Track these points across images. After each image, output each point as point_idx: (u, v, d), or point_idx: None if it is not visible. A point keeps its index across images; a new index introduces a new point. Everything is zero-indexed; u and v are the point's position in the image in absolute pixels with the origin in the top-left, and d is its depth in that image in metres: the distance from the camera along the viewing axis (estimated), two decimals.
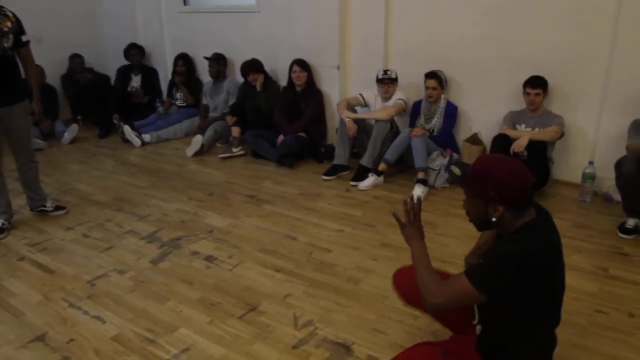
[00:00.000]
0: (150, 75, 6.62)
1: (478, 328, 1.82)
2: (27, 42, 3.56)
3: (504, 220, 1.65)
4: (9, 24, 3.39)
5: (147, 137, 5.84)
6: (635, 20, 3.72)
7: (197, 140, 5.37)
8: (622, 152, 3.53)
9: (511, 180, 1.60)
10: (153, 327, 2.52)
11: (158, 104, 6.19)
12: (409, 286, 2.04)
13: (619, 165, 3.41)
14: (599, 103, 4.05)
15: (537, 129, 4.05)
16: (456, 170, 1.72)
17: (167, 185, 4.55)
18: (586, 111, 4.13)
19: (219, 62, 5.85)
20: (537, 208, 1.72)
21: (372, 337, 2.40)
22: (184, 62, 6.23)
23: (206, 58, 5.86)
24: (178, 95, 6.32)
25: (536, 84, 4.02)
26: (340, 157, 4.62)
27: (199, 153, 5.36)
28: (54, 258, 3.26)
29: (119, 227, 3.71)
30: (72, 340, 2.44)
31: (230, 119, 5.37)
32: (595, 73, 3.99)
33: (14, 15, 3.45)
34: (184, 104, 6.29)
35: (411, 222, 1.84)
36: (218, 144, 5.63)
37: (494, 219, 1.64)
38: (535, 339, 1.74)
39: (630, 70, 3.82)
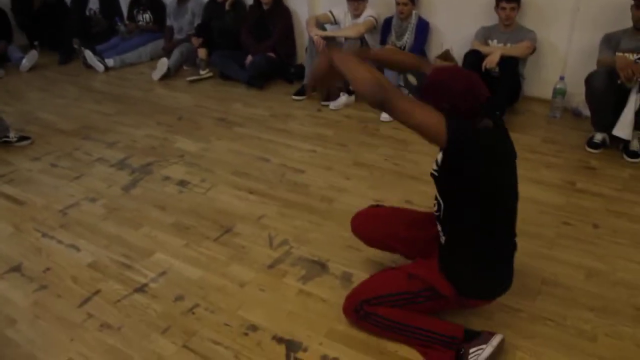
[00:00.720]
0: None
1: (442, 239, 1.87)
2: None
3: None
4: None
5: (110, 61, 5.64)
6: None
7: (163, 64, 5.20)
8: (593, 67, 3.53)
9: (467, 94, 1.62)
10: (129, 253, 2.53)
11: (119, 24, 5.92)
12: (367, 230, 2.15)
13: (589, 79, 3.42)
14: (571, 17, 4.00)
15: (509, 45, 4.01)
16: (412, 80, 1.72)
17: (135, 110, 4.44)
18: (558, 26, 4.08)
19: None
20: (495, 121, 1.75)
21: (346, 253, 2.46)
22: None
23: None
24: (140, 17, 6.04)
25: None
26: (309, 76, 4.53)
27: (165, 77, 5.21)
28: (23, 189, 3.21)
29: (88, 155, 3.64)
30: (48, 269, 2.45)
31: (196, 41, 5.18)
32: None
33: None
34: (147, 26, 6.02)
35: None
36: (185, 67, 5.47)
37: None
38: (493, 243, 1.79)
39: None
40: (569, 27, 4.03)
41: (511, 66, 3.88)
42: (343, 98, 4.28)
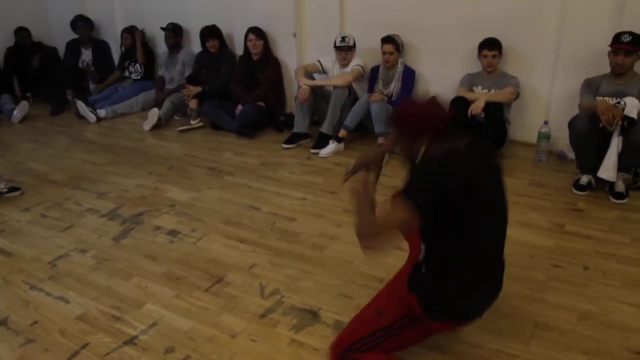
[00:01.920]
0: (101, 49, 6.39)
1: (421, 254, 1.89)
2: None
3: (432, 149, 1.77)
4: None
5: (102, 112, 5.69)
6: None
7: (154, 114, 5.26)
8: (576, 111, 3.63)
9: (426, 116, 1.80)
10: (119, 305, 2.50)
11: (90, 83, 6.08)
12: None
13: (572, 123, 3.51)
14: (552, 63, 4.13)
15: (493, 91, 4.12)
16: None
17: (126, 160, 4.46)
18: (540, 72, 4.21)
19: (175, 33, 5.70)
20: (475, 139, 1.82)
21: (338, 302, 2.44)
22: (129, 34, 6.06)
23: (162, 29, 5.69)
24: (132, 68, 6.14)
25: (493, 46, 4.08)
26: (300, 125, 4.60)
27: (156, 127, 5.26)
28: (12, 240, 3.18)
29: (78, 205, 3.63)
30: (35, 322, 2.41)
31: (194, 89, 5.25)
32: (547, 34, 4.07)
33: None
34: (139, 77, 6.12)
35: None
36: (176, 117, 5.54)
37: (423, 148, 1.78)
38: (472, 266, 1.80)
39: (580, 30, 3.91)
40: (550, 73, 4.16)
41: (496, 111, 3.98)
42: (332, 146, 4.33)
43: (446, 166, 1.67)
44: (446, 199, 1.64)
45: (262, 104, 5.00)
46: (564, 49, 4.02)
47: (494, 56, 4.08)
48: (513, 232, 2.79)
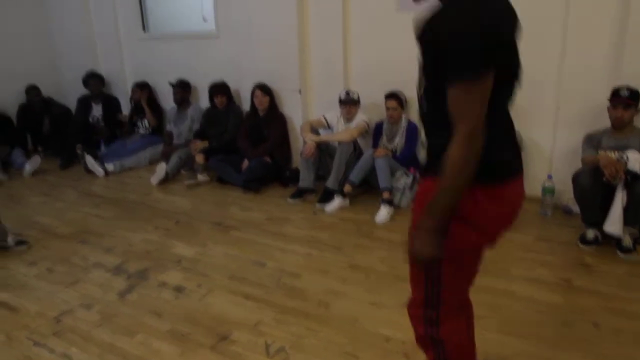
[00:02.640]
0: (111, 104, 6.54)
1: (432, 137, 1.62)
2: None
3: None
4: None
5: (110, 166, 5.77)
6: (581, 37, 3.90)
7: (162, 168, 5.33)
8: (579, 165, 3.66)
9: None
10: None
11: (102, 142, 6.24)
12: None
13: (575, 178, 3.54)
14: (553, 117, 4.19)
15: None
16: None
17: (133, 215, 4.49)
18: (542, 126, 4.26)
19: (183, 89, 5.85)
20: None
21: None
22: (137, 88, 6.22)
23: (171, 85, 5.84)
24: (140, 123, 6.27)
25: None
26: (306, 180, 4.65)
27: (163, 181, 5.32)
28: (17, 295, 3.17)
29: (84, 260, 3.64)
30: None
31: (201, 144, 5.34)
32: (547, 88, 4.14)
33: None
34: (147, 132, 6.24)
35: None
36: (183, 171, 5.60)
37: None
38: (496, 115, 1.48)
39: (580, 85, 3.98)
40: (552, 127, 4.21)
41: None
42: (337, 201, 4.36)
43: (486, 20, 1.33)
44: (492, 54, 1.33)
45: (268, 159, 5.07)
46: (564, 103, 4.10)
47: None
48: (520, 289, 2.77)
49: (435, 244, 1.47)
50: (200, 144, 5.31)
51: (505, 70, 1.41)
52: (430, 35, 1.43)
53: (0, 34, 6.37)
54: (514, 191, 1.65)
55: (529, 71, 4.20)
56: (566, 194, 3.97)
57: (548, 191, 4.08)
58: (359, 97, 4.71)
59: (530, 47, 4.08)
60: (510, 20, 1.41)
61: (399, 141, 4.63)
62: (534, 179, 4.29)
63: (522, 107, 4.24)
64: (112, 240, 3.95)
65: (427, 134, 1.65)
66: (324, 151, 4.69)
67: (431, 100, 1.56)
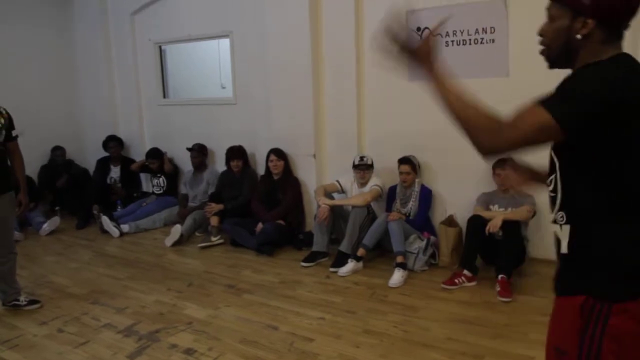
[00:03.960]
0: (129, 167, 6.68)
1: (559, 216, 1.47)
2: (16, 137, 3.70)
3: (589, 44, 1.35)
4: (2, 120, 3.53)
5: (125, 227, 5.83)
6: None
7: (176, 230, 5.36)
8: None
9: None
10: None
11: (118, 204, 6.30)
12: None
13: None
14: None
15: (509, 209, 4.17)
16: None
17: (146, 276, 4.50)
18: (545, 191, 4.26)
19: (201, 153, 5.98)
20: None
21: None
22: (154, 160, 6.33)
23: (188, 149, 5.98)
24: (155, 181, 6.37)
25: (505, 164, 4.19)
26: (319, 243, 4.65)
27: (177, 243, 5.34)
28: (26, 355, 3.15)
29: (96, 320, 3.62)
30: None
31: (216, 207, 5.39)
32: None
33: (7, 112, 3.61)
34: (162, 192, 6.33)
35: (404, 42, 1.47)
36: (197, 233, 5.63)
37: (578, 37, 1.34)
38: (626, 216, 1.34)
39: None
40: None
41: (514, 229, 4.00)
42: (351, 264, 4.34)
43: (620, 80, 1.26)
44: (608, 123, 1.25)
45: (282, 222, 5.10)
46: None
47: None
48: (539, 354, 2.70)
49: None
50: (216, 207, 5.37)
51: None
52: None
53: (27, 94, 6.60)
54: None
55: None
56: None
57: None
58: (372, 162, 4.78)
59: None
60: None
61: (412, 205, 4.66)
62: (550, 242, 4.24)
63: None
64: (124, 301, 3.94)
65: (577, 225, 1.43)
66: (337, 215, 4.71)
67: (573, 183, 1.41)
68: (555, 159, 1.43)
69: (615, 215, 1.34)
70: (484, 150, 1.35)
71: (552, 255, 4.19)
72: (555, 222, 1.48)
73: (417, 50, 1.47)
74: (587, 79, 1.28)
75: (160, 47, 6.66)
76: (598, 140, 1.28)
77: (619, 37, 1.35)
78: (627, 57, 1.33)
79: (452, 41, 4.58)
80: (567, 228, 1.43)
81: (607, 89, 1.24)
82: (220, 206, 5.38)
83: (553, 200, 1.49)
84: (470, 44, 4.52)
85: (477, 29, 4.47)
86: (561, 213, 1.44)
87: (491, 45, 4.42)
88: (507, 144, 1.32)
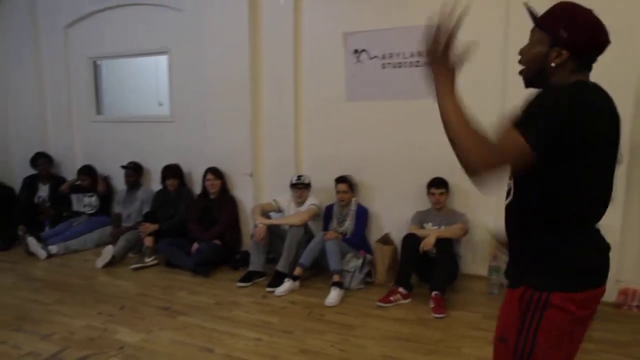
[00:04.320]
0: (58, 186, 6.42)
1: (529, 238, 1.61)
2: None
3: (561, 71, 1.53)
4: None
5: (54, 248, 5.57)
6: None
7: (108, 251, 5.19)
8: None
9: (591, 26, 1.51)
10: None
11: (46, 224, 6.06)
12: None
13: None
14: (495, 200, 4.37)
15: (443, 227, 4.29)
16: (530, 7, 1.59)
17: (75, 299, 4.31)
18: (485, 208, 4.44)
19: (136, 171, 5.84)
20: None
21: None
22: (87, 176, 6.14)
23: (123, 167, 5.83)
24: (87, 200, 6.16)
25: (439, 184, 4.34)
26: (256, 263, 4.62)
27: (109, 264, 5.16)
28: None
29: (17, 349, 3.42)
30: None
31: (150, 226, 5.26)
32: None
33: None
34: (93, 212, 6.12)
35: (440, 47, 1.47)
36: (130, 254, 5.46)
37: (552, 64, 1.53)
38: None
39: None
40: (494, 209, 4.38)
41: (447, 247, 4.12)
42: (288, 284, 4.33)
43: (580, 99, 1.43)
44: (570, 137, 1.40)
45: (218, 242, 5.03)
46: (502, 188, 4.29)
47: (442, 194, 4.33)
48: None
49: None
50: (150, 227, 5.24)
51: (584, 173, 1.48)
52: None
53: None
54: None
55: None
56: None
57: (494, 270, 4.20)
58: (309, 181, 4.81)
59: None
60: (603, 123, 1.48)
61: (349, 224, 4.71)
62: (481, 258, 4.45)
63: (466, 191, 4.46)
64: (50, 327, 3.75)
65: (515, 236, 1.66)
66: (275, 234, 4.70)
67: (524, 195, 1.60)
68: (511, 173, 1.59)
69: (555, 225, 1.53)
70: (470, 171, 1.43)
71: (483, 271, 4.36)
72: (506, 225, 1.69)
73: (430, 50, 1.49)
74: (554, 97, 1.43)
75: (95, 62, 6.48)
76: (555, 159, 1.44)
77: (587, 68, 1.55)
78: (588, 82, 1.52)
79: (389, 64, 4.70)
80: (511, 233, 1.66)
81: (565, 111, 1.39)
82: (155, 226, 5.26)
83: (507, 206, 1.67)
84: (406, 66, 4.65)
85: (412, 52, 4.61)
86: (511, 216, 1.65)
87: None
88: (493, 169, 1.41)
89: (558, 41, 1.51)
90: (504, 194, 1.66)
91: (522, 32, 1.79)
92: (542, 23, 1.56)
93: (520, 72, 1.64)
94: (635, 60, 3.71)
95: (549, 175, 1.48)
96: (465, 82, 1.69)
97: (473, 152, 1.41)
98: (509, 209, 1.68)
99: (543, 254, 1.54)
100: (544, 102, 1.42)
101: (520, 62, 1.63)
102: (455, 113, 1.46)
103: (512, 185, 1.64)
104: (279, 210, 4.92)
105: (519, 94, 1.60)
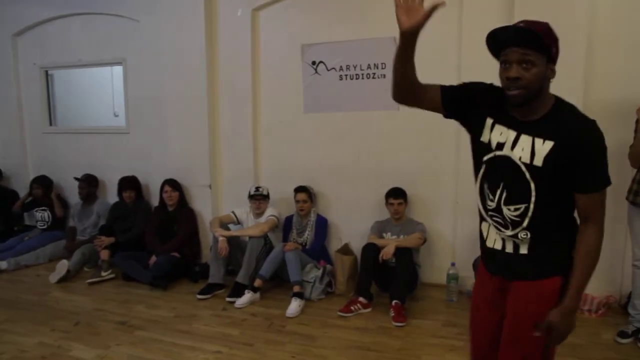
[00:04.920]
0: (8, 199, 6.20)
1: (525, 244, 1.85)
2: None
3: (548, 85, 1.72)
4: None
5: (3, 264, 5.37)
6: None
7: (63, 265, 5.03)
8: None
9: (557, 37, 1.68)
10: None
11: None
12: None
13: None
14: (452, 209, 4.48)
15: (402, 236, 4.35)
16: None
17: (26, 317, 4.17)
18: (443, 217, 4.54)
19: (89, 184, 5.70)
20: None
21: None
22: (40, 186, 5.99)
23: (76, 179, 5.69)
24: (39, 215, 5.98)
25: (397, 195, 4.40)
26: (215, 275, 4.58)
27: (64, 279, 4.99)
28: None
29: None
30: None
31: (106, 239, 5.14)
32: (446, 183, 4.46)
33: None
34: (45, 226, 5.94)
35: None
36: (86, 268, 5.33)
37: (550, 81, 1.71)
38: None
39: (472, 181, 4.30)
40: (452, 218, 4.49)
41: (406, 256, 4.17)
42: (248, 295, 4.30)
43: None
44: None
45: (176, 254, 4.97)
46: (460, 196, 4.40)
47: (400, 204, 4.39)
48: None
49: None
50: (106, 240, 5.13)
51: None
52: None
53: None
54: None
55: (429, 168, 4.57)
56: (469, 280, 4.15)
57: (452, 278, 4.28)
58: (268, 193, 4.81)
59: (429, 148, 4.49)
60: None
61: (308, 234, 4.73)
62: (439, 267, 4.52)
63: (424, 201, 4.55)
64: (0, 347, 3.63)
65: (538, 240, 1.83)
66: (235, 246, 4.66)
67: (547, 209, 1.78)
68: (533, 192, 1.75)
69: (564, 228, 1.82)
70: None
71: (441, 280, 4.44)
72: (515, 236, 1.85)
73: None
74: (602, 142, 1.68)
75: (47, 72, 6.32)
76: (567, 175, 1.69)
77: None
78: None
79: (346, 75, 4.76)
80: (528, 241, 1.83)
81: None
82: (112, 239, 5.15)
83: (516, 223, 1.82)
84: (363, 78, 4.72)
85: (369, 64, 4.68)
86: (525, 232, 1.81)
87: (382, 80, 4.63)
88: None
89: (553, 58, 1.66)
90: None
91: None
92: (542, 41, 1.61)
93: (519, 94, 1.68)
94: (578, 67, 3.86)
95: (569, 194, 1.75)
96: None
97: (601, 244, 1.74)
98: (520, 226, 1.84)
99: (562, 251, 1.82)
100: (604, 147, 1.67)
101: (514, 85, 1.67)
102: (396, 56, 1.69)
103: (530, 207, 1.79)
104: (238, 222, 4.90)
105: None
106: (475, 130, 1.88)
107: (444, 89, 1.84)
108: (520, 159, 1.73)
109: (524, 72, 1.64)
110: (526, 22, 1.63)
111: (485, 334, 2.05)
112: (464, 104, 1.84)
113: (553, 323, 1.73)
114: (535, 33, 1.59)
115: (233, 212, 4.91)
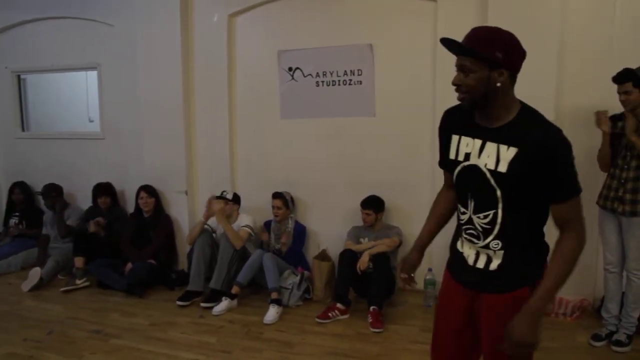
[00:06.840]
0: None
1: (497, 257, 1.86)
2: None
3: (504, 88, 1.70)
4: None
5: None
6: None
7: (35, 273, 4.94)
8: None
9: (516, 43, 1.69)
10: None
11: None
12: None
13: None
14: (427, 214, 4.49)
15: (379, 242, 4.37)
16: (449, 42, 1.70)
17: None
18: (420, 222, 4.50)
19: (49, 195, 5.56)
20: None
21: None
22: (21, 190, 5.89)
23: (37, 193, 5.62)
24: (12, 221, 5.85)
25: (366, 205, 4.45)
26: (195, 282, 4.53)
27: (37, 287, 4.90)
28: None
29: None
30: None
31: (102, 220, 5.14)
32: (422, 188, 4.47)
33: None
34: (16, 233, 5.81)
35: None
36: (60, 276, 5.23)
37: (498, 85, 1.68)
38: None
39: None
40: None
41: (383, 262, 4.19)
42: (225, 303, 4.27)
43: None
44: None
45: (153, 261, 4.91)
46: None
47: (368, 214, 4.43)
48: None
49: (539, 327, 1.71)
50: (102, 221, 5.16)
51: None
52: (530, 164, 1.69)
53: None
54: None
55: (406, 173, 4.60)
56: None
57: (429, 283, 4.31)
58: (237, 197, 4.79)
59: (406, 154, 4.52)
60: None
61: (285, 241, 4.72)
62: (417, 272, 4.51)
63: (401, 208, 4.58)
64: None
65: (509, 252, 1.84)
66: (216, 251, 4.61)
67: (516, 214, 1.79)
68: (500, 198, 1.76)
69: (535, 239, 1.86)
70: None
71: (419, 285, 4.45)
72: (487, 247, 1.85)
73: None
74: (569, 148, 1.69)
75: (19, 76, 6.21)
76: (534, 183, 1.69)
77: (515, 81, 1.73)
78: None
79: (323, 82, 4.77)
80: (501, 253, 1.84)
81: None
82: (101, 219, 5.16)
83: (487, 231, 1.83)
84: (339, 84, 4.74)
85: (345, 71, 4.70)
86: (497, 241, 1.82)
87: (359, 86, 4.66)
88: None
89: (498, 63, 1.65)
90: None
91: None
92: (475, 51, 1.65)
93: (462, 99, 1.75)
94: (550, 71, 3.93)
95: (541, 205, 1.77)
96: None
97: (579, 252, 1.73)
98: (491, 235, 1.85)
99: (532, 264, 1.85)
100: (571, 156, 1.67)
101: (458, 91, 1.74)
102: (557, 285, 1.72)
103: (499, 213, 1.80)
104: (213, 231, 4.85)
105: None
106: (446, 153, 1.95)
107: (442, 165, 2.05)
108: (485, 165, 1.76)
109: (464, 78, 1.70)
110: (470, 31, 1.70)
111: (449, 324, 2.12)
112: (446, 145, 1.95)
113: (510, 325, 1.69)
114: (459, 43, 1.66)
115: (206, 224, 4.81)
